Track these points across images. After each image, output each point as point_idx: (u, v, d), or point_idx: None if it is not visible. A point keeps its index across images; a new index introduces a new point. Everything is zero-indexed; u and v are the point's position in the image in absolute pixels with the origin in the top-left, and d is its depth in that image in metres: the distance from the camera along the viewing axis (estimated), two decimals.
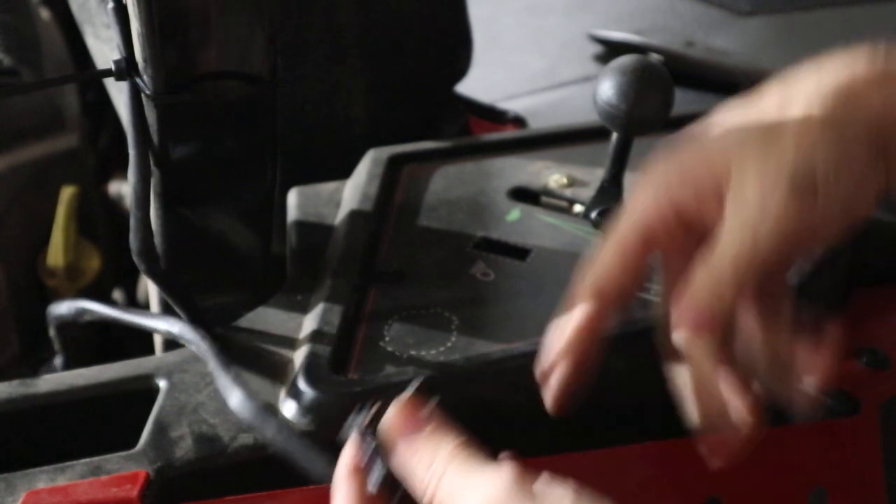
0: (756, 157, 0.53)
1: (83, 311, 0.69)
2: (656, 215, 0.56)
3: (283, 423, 0.54)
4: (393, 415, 0.48)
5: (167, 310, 0.66)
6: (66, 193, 1.00)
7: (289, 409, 0.60)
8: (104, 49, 0.89)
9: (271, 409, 0.56)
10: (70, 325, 0.73)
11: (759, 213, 0.52)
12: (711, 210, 0.55)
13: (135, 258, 0.62)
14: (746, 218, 0.53)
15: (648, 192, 0.56)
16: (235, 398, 0.56)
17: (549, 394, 0.56)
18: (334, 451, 0.50)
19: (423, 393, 0.49)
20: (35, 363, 0.96)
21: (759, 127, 0.54)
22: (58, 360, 0.86)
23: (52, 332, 0.77)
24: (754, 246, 0.52)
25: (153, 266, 0.62)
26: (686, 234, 0.56)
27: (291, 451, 0.53)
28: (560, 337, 0.56)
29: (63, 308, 0.70)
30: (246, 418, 0.56)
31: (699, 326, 0.54)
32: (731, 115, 0.57)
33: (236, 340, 0.64)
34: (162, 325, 0.63)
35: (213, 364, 0.58)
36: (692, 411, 0.57)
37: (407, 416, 0.48)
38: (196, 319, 0.63)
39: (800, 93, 0.55)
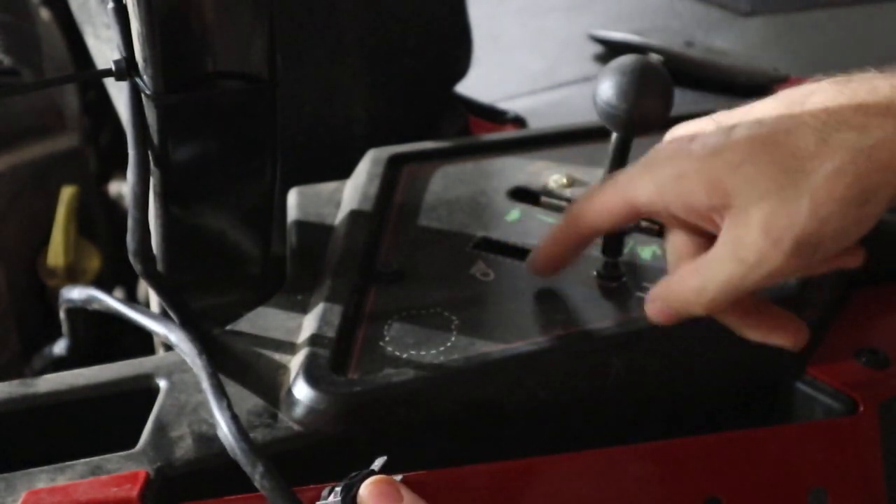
0: (762, 212, 0.54)
1: (92, 299, 0.70)
2: (645, 208, 0.59)
3: (269, 467, 0.53)
4: (368, 491, 0.52)
5: (166, 311, 0.66)
6: (66, 193, 1.00)
7: (289, 409, 0.60)
8: (104, 49, 0.89)
9: (260, 451, 0.54)
10: (78, 311, 0.74)
11: (754, 263, 0.54)
12: (701, 222, 0.58)
13: (131, 259, 0.62)
14: (740, 262, 0.55)
15: (645, 184, 0.59)
16: (223, 430, 0.56)
17: (529, 260, 0.66)
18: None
19: (388, 471, 0.53)
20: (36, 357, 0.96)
21: (779, 170, 0.54)
22: (60, 345, 0.87)
23: (61, 315, 0.78)
24: (740, 285, 0.56)
25: (149, 267, 0.62)
26: (675, 220, 0.59)
27: (273, 500, 0.53)
28: (543, 241, 0.66)
29: (74, 293, 0.72)
30: (232, 453, 0.55)
31: (666, 319, 0.59)
32: (754, 144, 0.55)
33: (236, 341, 0.64)
34: (162, 329, 0.63)
35: (205, 385, 0.58)
36: None
37: (381, 492, 0.52)
38: (188, 323, 0.63)
39: (838, 143, 0.53)
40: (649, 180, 0.58)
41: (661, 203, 0.58)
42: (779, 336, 0.60)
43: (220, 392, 0.57)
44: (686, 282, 0.58)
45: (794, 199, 0.53)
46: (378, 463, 0.54)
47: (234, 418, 0.56)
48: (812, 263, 0.55)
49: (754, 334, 0.60)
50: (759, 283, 0.55)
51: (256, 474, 0.53)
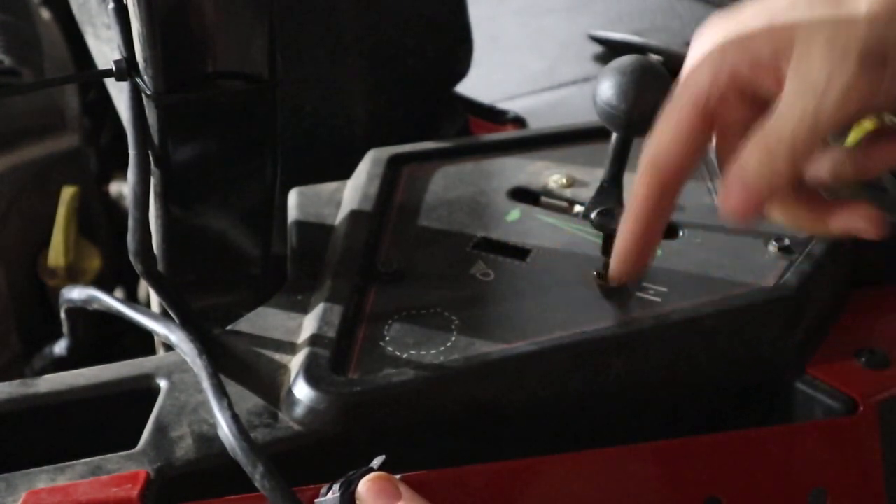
0: (825, 30, 0.51)
1: (93, 299, 0.70)
2: (714, 89, 0.54)
3: (269, 467, 0.53)
4: (366, 487, 0.52)
5: (166, 311, 0.66)
6: (67, 193, 1.00)
7: (289, 409, 0.60)
8: (104, 49, 0.89)
9: (260, 451, 0.54)
10: (78, 311, 0.74)
11: (825, 85, 0.51)
12: (766, 83, 0.53)
13: (131, 259, 0.62)
14: (811, 90, 0.51)
15: (706, 63, 0.54)
16: (223, 429, 0.56)
17: (613, 260, 0.58)
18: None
19: (388, 470, 0.53)
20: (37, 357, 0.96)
21: None
22: (61, 345, 0.87)
23: (61, 315, 0.78)
24: (816, 118, 0.51)
25: (149, 267, 0.62)
26: (740, 104, 0.55)
27: (273, 500, 0.53)
28: (623, 231, 0.57)
29: (75, 293, 0.72)
30: (233, 453, 0.55)
31: (747, 206, 0.53)
32: None
33: (236, 341, 0.64)
34: (162, 329, 0.63)
35: (205, 384, 0.58)
36: None
37: (380, 489, 0.52)
38: (189, 323, 0.63)
39: None
40: (707, 57, 0.54)
41: (727, 70, 0.53)
42: (860, 220, 0.55)
43: (221, 392, 0.57)
44: (760, 143, 0.53)
45: (852, 12, 0.51)
46: (377, 462, 0.54)
47: (235, 418, 0.56)
48: (884, 83, 0.51)
49: (836, 223, 0.55)
50: (835, 113, 0.51)
51: (257, 474, 0.53)
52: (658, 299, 0.66)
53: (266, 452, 0.55)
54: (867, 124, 0.72)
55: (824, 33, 0.52)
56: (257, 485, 0.54)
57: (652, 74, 0.64)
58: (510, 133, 0.88)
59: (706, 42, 0.55)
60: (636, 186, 0.56)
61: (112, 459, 0.57)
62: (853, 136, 0.73)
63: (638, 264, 0.58)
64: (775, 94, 0.53)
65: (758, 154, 0.52)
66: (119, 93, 0.81)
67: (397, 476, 0.54)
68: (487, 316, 0.65)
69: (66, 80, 1.10)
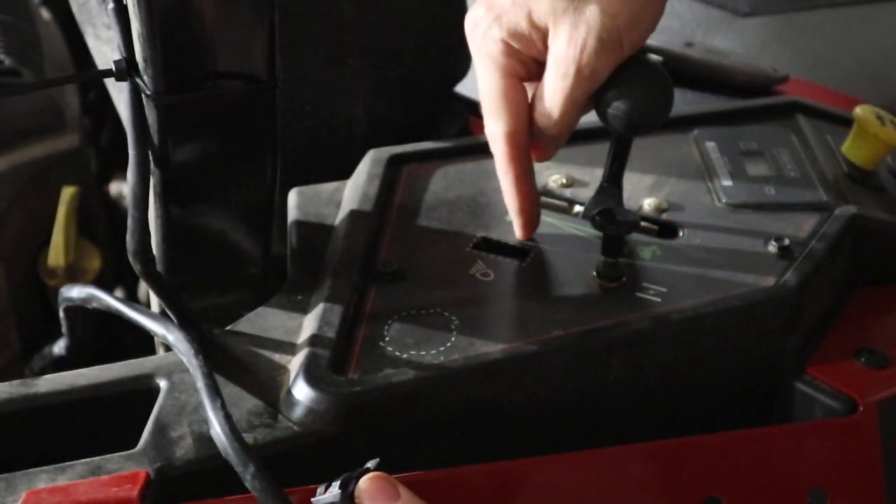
0: (566, 21, 0.63)
1: (92, 298, 0.69)
2: (506, 61, 0.67)
3: (260, 467, 0.53)
4: (366, 486, 0.53)
5: (166, 311, 0.66)
6: (67, 193, 1.00)
7: (289, 409, 0.60)
8: (104, 49, 0.89)
9: (251, 451, 0.54)
10: (78, 310, 0.73)
11: (576, 69, 0.63)
12: (541, 52, 0.66)
13: (130, 259, 0.62)
14: (565, 74, 0.64)
15: (490, 53, 0.67)
16: (216, 429, 0.55)
17: (515, 225, 0.71)
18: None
19: (386, 471, 0.54)
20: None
21: None
22: (60, 345, 0.86)
23: (60, 314, 0.78)
24: (575, 93, 0.64)
25: (148, 267, 0.62)
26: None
27: (263, 500, 0.53)
28: (506, 183, 0.69)
29: (73, 292, 0.71)
30: (224, 453, 0.55)
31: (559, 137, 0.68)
32: None
33: (236, 341, 0.64)
34: (159, 328, 0.63)
35: (199, 384, 0.58)
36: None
37: (378, 488, 0.53)
38: (187, 323, 0.63)
39: None
40: (488, 51, 0.67)
41: (510, 58, 0.66)
42: None
43: (215, 392, 0.57)
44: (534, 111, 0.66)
45: (585, 7, 0.62)
46: (372, 464, 0.54)
47: (228, 418, 0.55)
48: (622, 55, 0.63)
49: None
50: (588, 88, 0.64)
51: (248, 474, 0.53)
52: (658, 299, 0.66)
53: (257, 453, 0.55)
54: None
55: (567, 26, 0.63)
56: (248, 485, 0.53)
57: (652, 74, 0.64)
58: None
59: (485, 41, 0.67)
60: (503, 164, 0.69)
61: (112, 459, 0.57)
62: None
63: (535, 217, 0.71)
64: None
65: (538, 118, 0.67)
66: (119, 93, 0.81)
67: (396, 476, 0.54)
68: (487, 316, 0.65)
69: (66, 80, 1.10)
